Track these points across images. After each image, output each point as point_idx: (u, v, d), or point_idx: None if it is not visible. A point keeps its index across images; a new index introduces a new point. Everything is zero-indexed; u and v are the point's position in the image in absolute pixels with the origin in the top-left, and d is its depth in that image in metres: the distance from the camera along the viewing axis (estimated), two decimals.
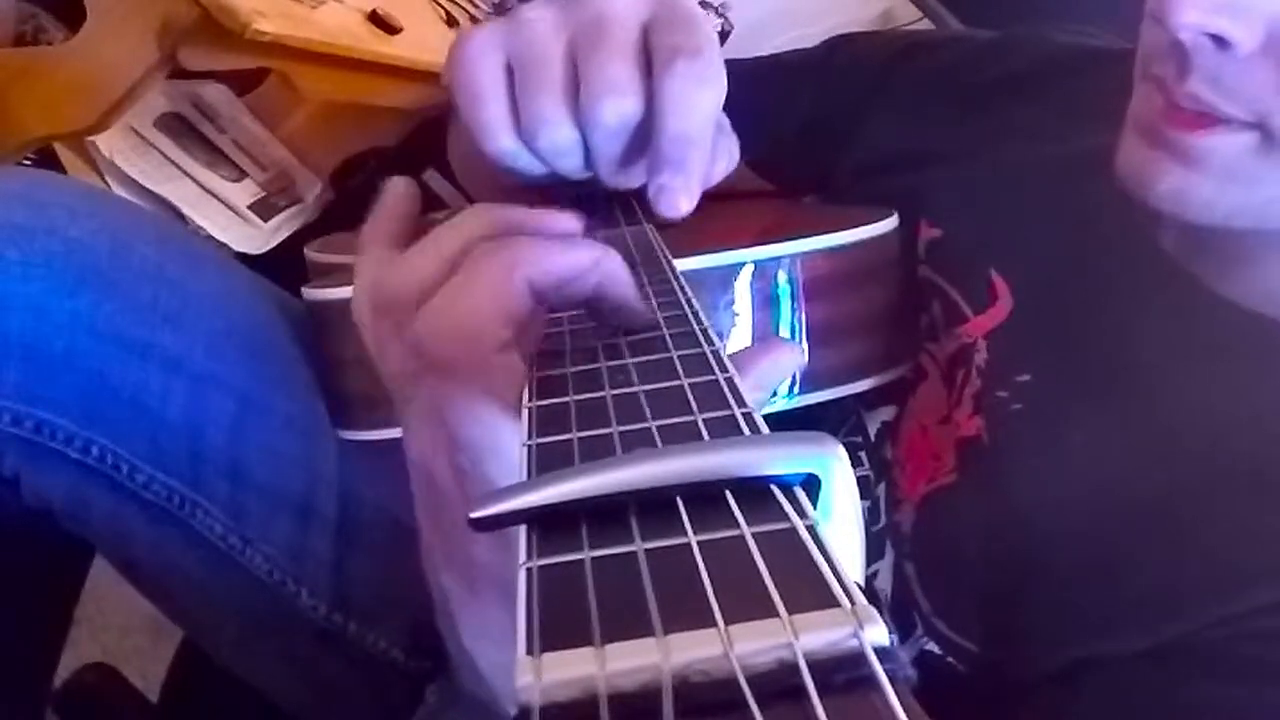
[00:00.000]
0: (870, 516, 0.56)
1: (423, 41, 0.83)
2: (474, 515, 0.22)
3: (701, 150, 0.35)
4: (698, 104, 0.35)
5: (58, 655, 0.71)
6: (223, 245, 0.83)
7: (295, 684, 0.64)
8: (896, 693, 0.15)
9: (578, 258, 0.31)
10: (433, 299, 0.31)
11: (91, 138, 0.76)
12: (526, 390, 0.29)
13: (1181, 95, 0.41)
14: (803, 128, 0.69)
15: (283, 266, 0.69)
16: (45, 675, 0.71)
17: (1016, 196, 0.56)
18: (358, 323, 0.37)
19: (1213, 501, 0.44)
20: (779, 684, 0.16)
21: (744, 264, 0.50)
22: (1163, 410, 0.47)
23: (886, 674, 0.15)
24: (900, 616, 0.52)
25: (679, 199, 0.35)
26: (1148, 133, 0.44)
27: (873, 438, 0.59)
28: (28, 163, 0.78)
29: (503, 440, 0.31)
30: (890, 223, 0.57)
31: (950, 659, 0.50)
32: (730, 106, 0.71)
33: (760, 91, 0.71)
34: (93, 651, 1.08)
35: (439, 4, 0.94)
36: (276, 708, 0.64)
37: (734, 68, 0.41)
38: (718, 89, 0.36)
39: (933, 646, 0.50)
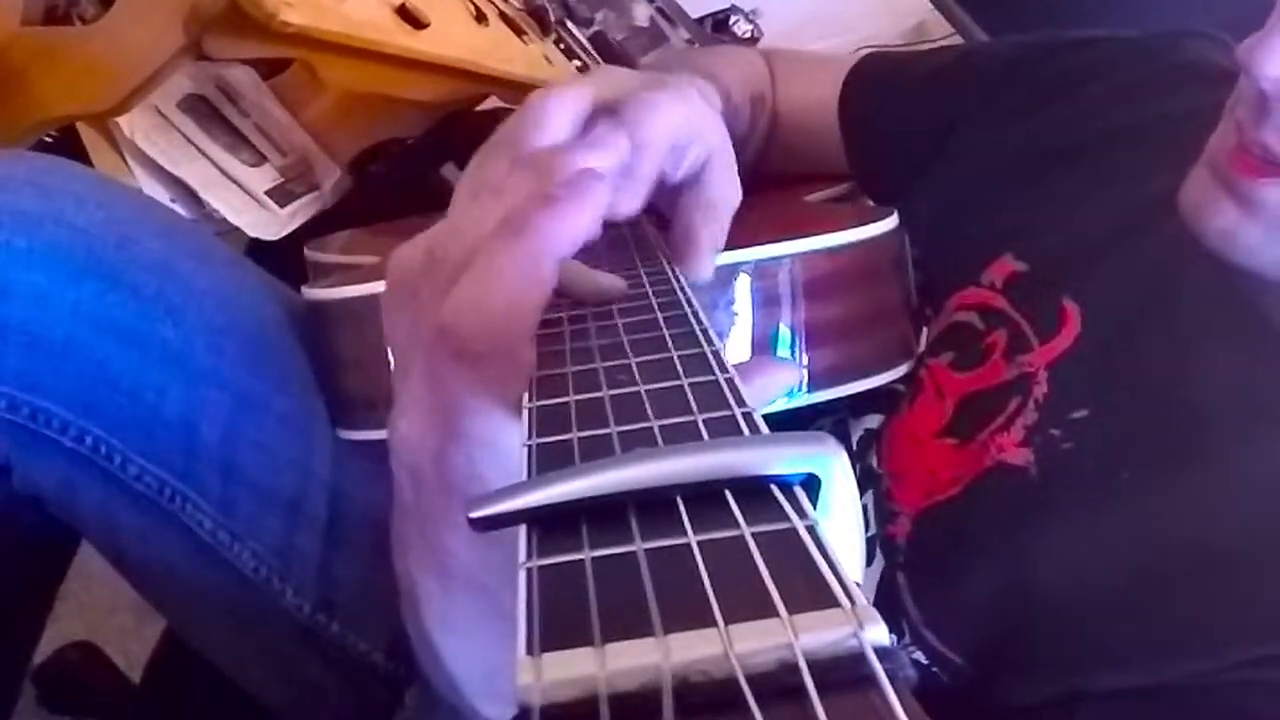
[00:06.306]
0: None
1: (449, 37, 0.83)
2: (474, 515, 0.22)
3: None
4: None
5: (38, 635, 0.71)
6: (236, 233, 0.82)
7: (276, 682, 0.64)
8: (896, 692, 0.15)
9: (592, 211, 0.32)
10: (462, 284, 0.30)
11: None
12: (526, 390, 0.29)
13: (1252, 141, 0.42)
14: (903, 135, 0.69)
15: (293, 260, 0.69)
16: (23, 653, 0.71)
17: (1102, 232, 0.55)
18: (403, 256, 0.35)
19: (1257, 558, 0.44)
20: (779, 684, 0.16)
21: (744, 263, 0.50)
22: (1221, 462, 0.47)
23: (886, 674, 0.15)
24: (886, 624, 0.52)
25: None
26: (1215, 170, 0.44)
27: (854, 445, 0.59)
28: (49, 139, 0.77)
29: (502, 437, 0.31)
30: (890, 223, 0.57)
31: (935, 669, 0.50)
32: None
33: (889, 91, 0.71)
34: (76, 628, 1.08)
35: (469, 0, 0.93)
36: (256, 698, 0.64)
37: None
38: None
39: (919, 656, 0.51)
